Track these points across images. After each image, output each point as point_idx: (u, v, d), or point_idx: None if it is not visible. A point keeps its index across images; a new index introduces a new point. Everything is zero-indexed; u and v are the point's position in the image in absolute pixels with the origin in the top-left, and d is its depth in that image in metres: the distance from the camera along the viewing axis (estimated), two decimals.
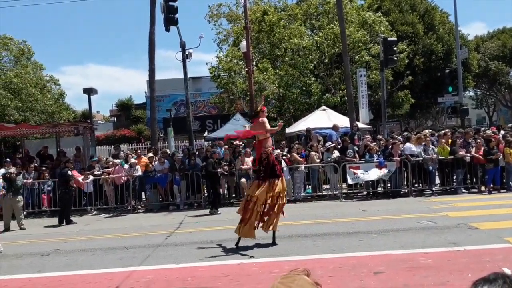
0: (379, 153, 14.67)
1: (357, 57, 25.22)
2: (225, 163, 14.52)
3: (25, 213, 13.75)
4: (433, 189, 14.50)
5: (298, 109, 26.84)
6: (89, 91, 18.35)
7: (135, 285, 6.51)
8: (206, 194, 14.88)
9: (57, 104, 30.50)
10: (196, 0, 65.99)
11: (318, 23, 27.81)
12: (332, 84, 26.24)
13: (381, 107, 20.51)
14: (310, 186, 15.23)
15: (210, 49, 66.57)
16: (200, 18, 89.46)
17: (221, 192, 14.64)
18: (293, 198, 14.11)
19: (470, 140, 14.82)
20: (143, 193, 15.53)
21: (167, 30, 17.83)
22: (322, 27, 26.73)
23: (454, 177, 14.58)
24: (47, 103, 28.92)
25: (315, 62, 26.06)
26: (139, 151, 18.17)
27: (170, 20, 17.58)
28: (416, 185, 14.84)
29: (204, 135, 27.83)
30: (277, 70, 26.39)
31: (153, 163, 15.07)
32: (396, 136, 16.58)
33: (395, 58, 19.93)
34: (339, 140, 15.90)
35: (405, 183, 14.59)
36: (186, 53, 19.78)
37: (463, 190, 14.27)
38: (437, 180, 14.93)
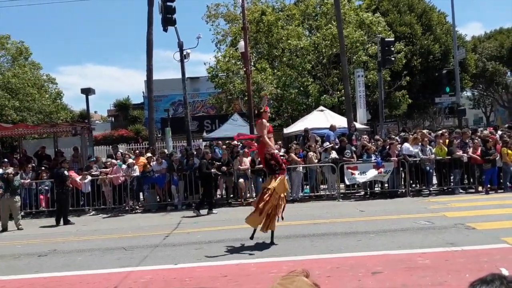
0: (377, 153, 14.70)
1: (354, 57, 25.25)
2: (218, 163, 14.46)
3: (22, 213, 13.73)
4: (431, 189, 14.52)
5: (296, 109, 26.88)
6: (87, 91, 18.33)
7: (133, 286, 6.51)
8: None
9: (54, 104, 30.47)
10: (194, 0, 66.10)
11: (316, 24, 27.84)
12: (330, 84, 26.26)
13: (379, 107, 20.53)
14: (308, 186, 15.24)
15: (208, 49, 66.84)
16: (198, 19, 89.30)
17: (216, 193, 14.61)
18: (291, 198, 14.10)
19: (467, 141, 14.85)
20: (141, 194, 15.52)
21: (165, 30, 17.82)
22: (320, 27, 26.75)
23: (452, 178, 14.60)
24: (45, 103, 28.87)
25: (313, 63, 26.10)
26: (137, 151, 18.14)
27: (168, 20, 17.56)
28: (414, 185, 14.87)
29: (202, 135, 27.84)
30: (275, 71, 26.43)
31: (151, 163, 15.06)
32: (394, 136, 16.61)
33: (393, 59, 19.97)
34: (337, 140, 15.92)
35: (402, 183, 14.61)
36: (184, 53, 19.78)
37: (461, 191, 14.30)
38: (435, 180, 14.96)
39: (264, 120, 8.65)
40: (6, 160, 15.69)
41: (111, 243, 9.61)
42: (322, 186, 15.30)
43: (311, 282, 1.54)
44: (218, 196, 15.40)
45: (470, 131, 16.48)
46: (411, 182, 14.76)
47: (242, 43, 19.35)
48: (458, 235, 8.21)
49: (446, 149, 14.53)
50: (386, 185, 14.76)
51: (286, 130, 22.14)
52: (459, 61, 27.16)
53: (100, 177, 14.98)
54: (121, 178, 14.74)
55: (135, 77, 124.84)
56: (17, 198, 12.84)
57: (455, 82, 25.36)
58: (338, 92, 25.23)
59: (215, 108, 36.72)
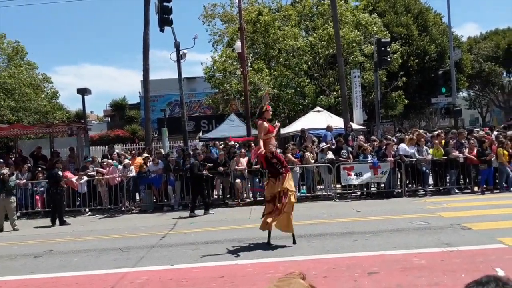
0: (373, 153, 14.73)
1: (351, 58, 25.29)
2: (210, 164, 14.39)
3: (18, 214, 13.68)
4: (427, 189, 14.55)
5: (293, 109, 26.89)
6: (83, 91, 18.28)
7: (129, 287, 6.50)
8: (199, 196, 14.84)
9: (50, 104, 30.38)
10: (190, 0, 66.05)
11: (313, 24, 27.87)
12: (327, 85, 26.30)
13: (375, 107, 20.56)
14: (304, 187, 15.25)
15: (205, 49, 66.71)
16: (195, 19, 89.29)
17: (212, 193, 14.59)
18: None
19: (463, 141, 14.90)
20: (137, 194, 15.49)
21: (162, 30, 17.80)
22: (317, 28, 26.78)
23: (448, 178, 14.66)
24: (41, 103, 28.78)
25: (309, 63, 26.12)
26: (133, 152, 18.11)
27: (165, 21, 17.53)
28: (410, 185, 14.91)
29: (198, 135, 27.82)
30: (272, 71, 26.43)
31: (148, 164, 15.03)
32: (390, 137, 16.65)
33: (389, 59, 20.01)
34: (334, 140, 15.95)
35: (398, 183, 14.65)
36: (181, 53, 19.74)
37: (456, 191, 14.34)
38: (431, 181, 15.01)
39: (263, 122, 8.53)
40: (1, 160, 15.59)
41: (107, 244, 9.59)
42: (318, 186, 15.33)
43: (308, 285, 1.54)
44: (215, 196, 15.40)
45: (466, 132, 16.52)
46: (407, 182, 14.80)
47: (238, 43, 19.34)
48: (454, 235, 8.23)
49: (442, 150, 14.58)
50: (383, 185, 14.81)
51: (283, 131, 22.14)
52: (455, 61, 27.24)
53: (96, 177, 14.94)
54: (117, 178, 14.71)
55: (131, 77, 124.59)
56: (13, 198, 12.80)
57: (451, 83, 25.44)
58: (335, 93, 25.27)
59: (212, 108, 36.72)
